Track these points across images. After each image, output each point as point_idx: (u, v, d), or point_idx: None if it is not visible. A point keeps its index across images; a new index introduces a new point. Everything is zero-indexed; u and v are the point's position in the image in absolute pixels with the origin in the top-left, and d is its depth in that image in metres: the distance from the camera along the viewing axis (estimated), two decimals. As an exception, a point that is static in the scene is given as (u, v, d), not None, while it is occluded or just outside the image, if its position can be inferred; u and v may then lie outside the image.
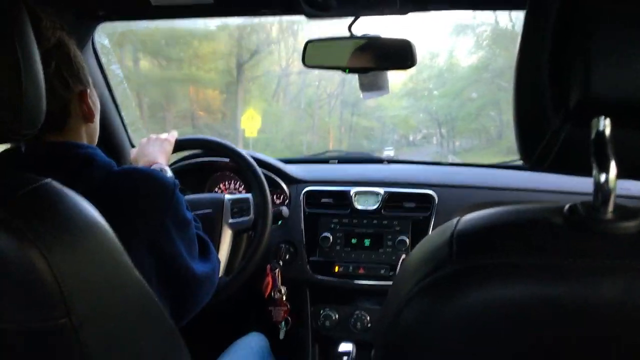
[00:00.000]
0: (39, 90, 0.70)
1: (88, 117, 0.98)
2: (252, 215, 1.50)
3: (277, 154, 1.86)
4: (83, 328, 0.63)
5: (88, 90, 0.97)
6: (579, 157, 0.49)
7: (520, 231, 0.49)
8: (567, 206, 0.50)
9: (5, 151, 0.93)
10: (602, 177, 0.47)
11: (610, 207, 0.47)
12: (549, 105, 0.49)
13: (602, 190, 0.47)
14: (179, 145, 1.47)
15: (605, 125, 0.47)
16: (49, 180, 0.68)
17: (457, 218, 0.54)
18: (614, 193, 0.47)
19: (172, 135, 1.42)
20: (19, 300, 0.61)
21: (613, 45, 0.45)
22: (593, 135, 0.47)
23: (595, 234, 0.47)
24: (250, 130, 4.28)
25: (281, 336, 1.68)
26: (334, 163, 2.05)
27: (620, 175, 0.47)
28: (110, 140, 1.74)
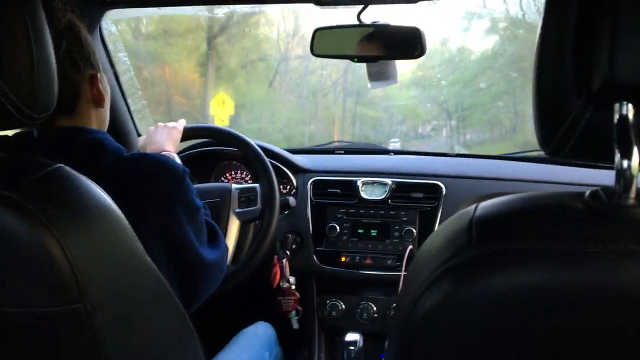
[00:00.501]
0: (51, 74, 0.69)
1: (98, 102, 0.97)
2: (259, 205, 1.50)
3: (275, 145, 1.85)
4: (96, 313, 0.63)
5: (99, 75, 0.97)
6: (600, 142, 0.49)
7: (540, 217, 0.49)
8: (588, 192, 0.50)
9: (16, 134, 0.93)
10: (625, 163, 0.46)
11: (633, 194, 0.47)
12: (571, 89, 0.48)
13: (624, 176, 0.46)
14: (187, 134, 1.46)
15: (628, 110, 0.46)
16: (61, 164, 0.68)
17: (475, 205, 0.54)
18: (636, 179, 0.46)
19: (181, 124, 1.42)
20: (32, 285, 0.61)
21: (638, 28, 0.44)
22: (616, 120, 0.47)
23: (617, 219, 0.46)
24: (221, 117, 4.06)
25: (295, 326, 1.69)
26: (340, 153, 2.04)
27: None
28: (117, 128, 1.73)
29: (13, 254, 0.60)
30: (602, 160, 0.50)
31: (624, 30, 0.44)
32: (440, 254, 0.50)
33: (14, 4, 0.63)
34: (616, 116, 0.47)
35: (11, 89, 0.63)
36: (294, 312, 1.68)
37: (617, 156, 0.47)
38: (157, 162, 0.94)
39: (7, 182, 0.62)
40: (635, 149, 0.46)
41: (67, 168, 0.68)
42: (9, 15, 0.63)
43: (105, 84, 1.01)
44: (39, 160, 0.67)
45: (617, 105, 0.47)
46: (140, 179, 0.91)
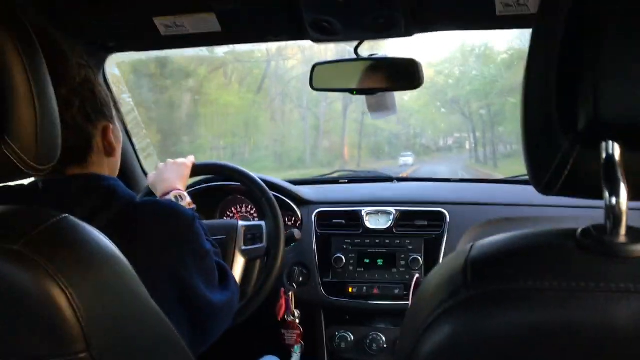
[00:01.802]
0: (54, 126, 0.71)
1: (110, 152, 0.99)
2: (264, 243, 1.50)
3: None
4: None
5: (111, 126, 0.99)
6: (589, 180, 0.50)
7: (533, 256, 0.50)
8: (579, 230, 0.50)
9: (22, 186, 0.95)
10: (613, 201, 0.47)
11: (623, 230, 0.47)
12: (558, 129, 0.49)
13: (613, 214, 0.47)
14: (196, 170, 1.48)
15: (614, 148, 0.48)
16: (66, 215, 0.69)
17: (471, 244, 0.55)
18: (625, 216, 0.47)
19: (190, 160, 1.44)
20: (39, 336, 0.62)
21: (621, 68, 0.45)
22: (603, 159, 0.48)
23: (608, 257, 0.47)
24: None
25: None
26: (344, 183, 2.05)
27: (631, 197, 0.47)
28: (124, 168, 1.75)
29: (20, 306, 0.61)
30: (593, 197, 0.51)
31: (608, 71, 0.46)
32: (438, 295, 0.51)
33: (16, 61, 0.66)
34: (603, 155, 0.48)
35: (16, 142, 0.65)
36: (296, 347, 1.67)
37: (606, 194, 0.48)
38: (166, 208, 0.96)
39: (12, 235, 0.63)
40: (622, 186, 0.47)
41: (72, 218, 0.70)
42: (11, 70, 0.65)
43: (118, 133, 1.03)
44: (45, 211, 0.69)
45: (603, 144, 0.48)
46: (150, 225, 0.92)
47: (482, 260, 0.51)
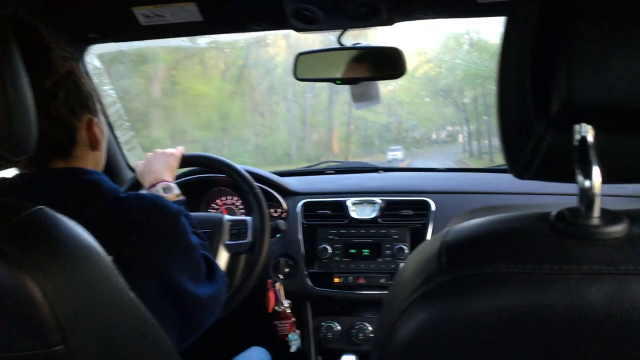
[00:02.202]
0: (28, 116, 0.70)
1: (95, 145, 0.98)
2: (249, 239, 1.50)
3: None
4: (80, 353, 0.63)
5: (95, 119, 0.98)
6: (563, 163, 0.50)
7: (508, 240, 0.50)
8: (553, 213, 0.51)
9: (10, 178, 0.93)
10: (587, 183, 0.47)
11: (596, 213, 0.48)
12: (532, 113, 0.49)
13: (586, 196, 0.47)
14: (185, 162, 1.47)
15: (587, 131, 0.48)
16: (41, 207, 0.68)
17: (447, 229, 0.55)
18: (598, 198, 0.47)
19: (179, 151, 1.42)
20: (14, 329, 0.61)
21: (594, 51, 0.45)
22: (576, 142, 0.48)
23: (582, 240, 0.47)
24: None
25: (292, 349, 1.67)
26: (330, 173, 2.05)
27: (605, 180, 0.47)
28: (107, 161, 1.74)
29: None
30: (568, 180, 0.51)
31: (581, 54, 0.46)
32: (413, 280, 0.51)
33: None
34: (576, 137, 0.48)
35: None
36: (291, 336, 1.67)
37: (579, 177, 0.48)
38: (152, 203, 0.95)
39: None
40: (595, 169, 0.47)
41: (48, 210, 0.69)
42: None
43: (102, 126, 1.02)
44: (19, 204, 0.68)
45: (576, 127, 0.48)
46: (135, 220, 0.92)
47: (456, 245, 0.51)
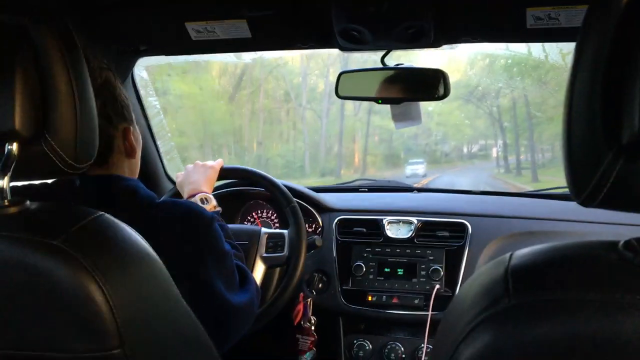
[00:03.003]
0: (93, 126, 0.73)
1: (130, 153, 1.01)
2: (286, 252, 1.50)
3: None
4: (135, 357, 0.64)
5: (131, 128, 1.01)
6: (631, 193, 0.50)
7: (577, 267, 0.50)
8: (622, 242, 0.50)
9: (57, 182, 0.97)
10: None
11: None
12: (601, 140, 0.49)
13: None
14: (223, 174, 1.50)
15: None
16: (102, 213, 0.71)
17: (510, 253, 0.55)
18: None
19: (218, 163, 1.46)
20: (75, 331, 0.63)
21: None
22: None
23: None
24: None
25: None
26: (364, 191, 2.06)
27: None
28: (147, 171, 1.78)
29: (58, 300, 0.63)
30: (636, 210, 0.51)
31: None
32: (477, 303, 0.51)
33: (59, 62, 0.68)
34: None
35: (56, 141, 0.67)
36: (308, 354, 1.66)
37: None
38: (186, 210, 0.97)
39: (52, 230, 0.65)
40: None
41: (108, 216, 0.71)
42: (54, 69, 0.67)
43: (138, 135, 1.05)
44: (82, 209, 0.70)
45: None
46: (169, 225, 0.94)
47: (523, 269, 0.51)
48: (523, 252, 0.54)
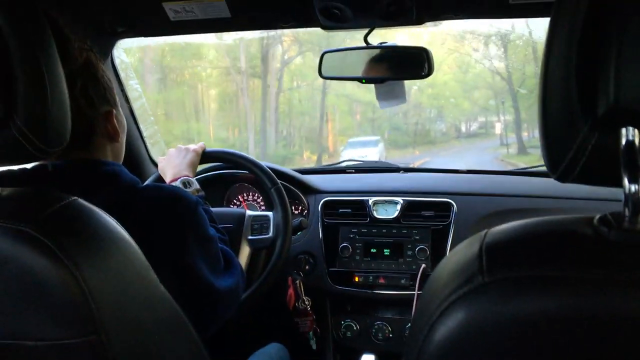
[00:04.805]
0: (64, 109, 0.71)
1: (113, 137, 0.99)
2: (271, 234, 1.49)
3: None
4: (112, 343, 0.64)
5: (114, 111, 0.99)
6: (608, 167, 0.49)
7: (551, 243, 0.49)
8: (597, 217, 0.50)
9: (32, 168, 0.95)
10: (633, 188, 0.46)
11: None
12: (577, 114, 0.48)
13: (632, 201, 0.47)
14: (206, 157, 1.48)
15: (635, 134, 0.47)
16: (75, 197, 0.69)
17: (485, 230, 0.54)
18: None
19: (200, 147, 1.44)
20: (48, 317, 0.62)
21: None
22: (622, 145, 0.47)
23: (626, 246, 0.46)
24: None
25: (314, 346, 1.68)
26: (351, 172, 2.05)
27: None
28: (130, 155, 1.76)
29: (30, 287, 0.62)
30: (611, 184, 0.50)
31: (630, 57, 0.44)
32: (452, 282, 0.50)
33: (27, 44, 0.65)
34: (623, 141, 0.47)
35: (25, 123, 0.64)
36: (311, 333, 1.67)
37: (625, 181, 0.47)
38: (169, 194, 0.96)
39: (23, 216, 0.63)
40: None
41: (82, 201, 0.69)
42: (23, 54, 0.65)
43: (121, 118, 1.03)
44: (54, 194, 0.69)
45: (623, 130, 0.47)
46: (153, 210, 0.92)
47: (497, 246, 0.51)
48: (498, 229, 0.53)
